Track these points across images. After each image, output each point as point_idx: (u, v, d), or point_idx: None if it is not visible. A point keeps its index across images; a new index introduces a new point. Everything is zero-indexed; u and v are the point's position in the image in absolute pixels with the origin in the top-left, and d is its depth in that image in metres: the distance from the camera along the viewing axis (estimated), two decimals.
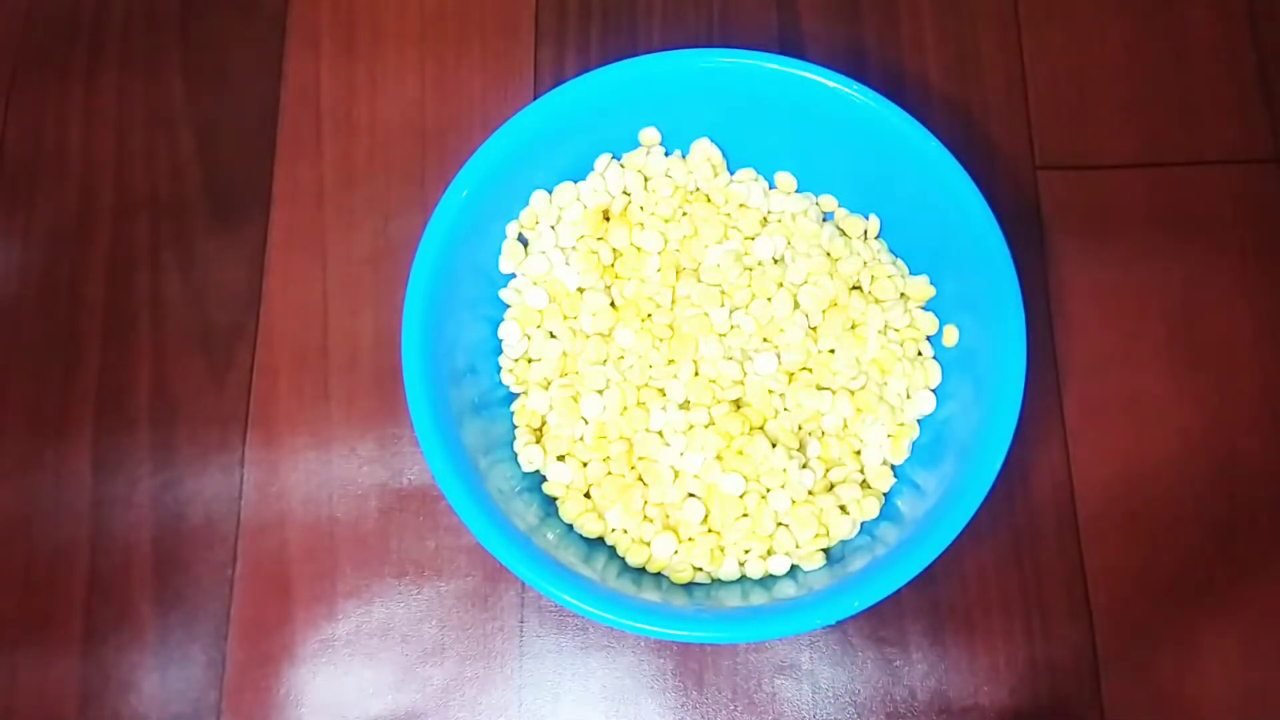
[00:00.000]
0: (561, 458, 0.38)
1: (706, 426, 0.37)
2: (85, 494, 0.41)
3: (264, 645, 0.40)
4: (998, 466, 0.33)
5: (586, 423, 0.38)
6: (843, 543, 0.37)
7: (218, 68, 0.46)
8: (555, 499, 0.38)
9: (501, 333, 0.39)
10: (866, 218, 0.40)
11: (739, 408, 0.38)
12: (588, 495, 0.38)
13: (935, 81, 0.45)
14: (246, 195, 0.45)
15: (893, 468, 0.38)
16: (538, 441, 0.38)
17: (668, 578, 0.36)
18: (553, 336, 0.39)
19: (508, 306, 0.39)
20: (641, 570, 0.36)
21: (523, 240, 0.40)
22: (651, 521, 0.37)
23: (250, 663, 0.40)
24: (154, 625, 0.40)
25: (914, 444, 0.38)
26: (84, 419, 0.42)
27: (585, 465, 0.38)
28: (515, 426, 0.38)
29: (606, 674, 0.39)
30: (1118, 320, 0.43)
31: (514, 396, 0.39)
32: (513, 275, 0.40)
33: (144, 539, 0.41)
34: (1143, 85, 0.46)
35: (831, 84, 0.37)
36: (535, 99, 0.42)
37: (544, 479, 0.38)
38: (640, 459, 0.37)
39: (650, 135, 0.40)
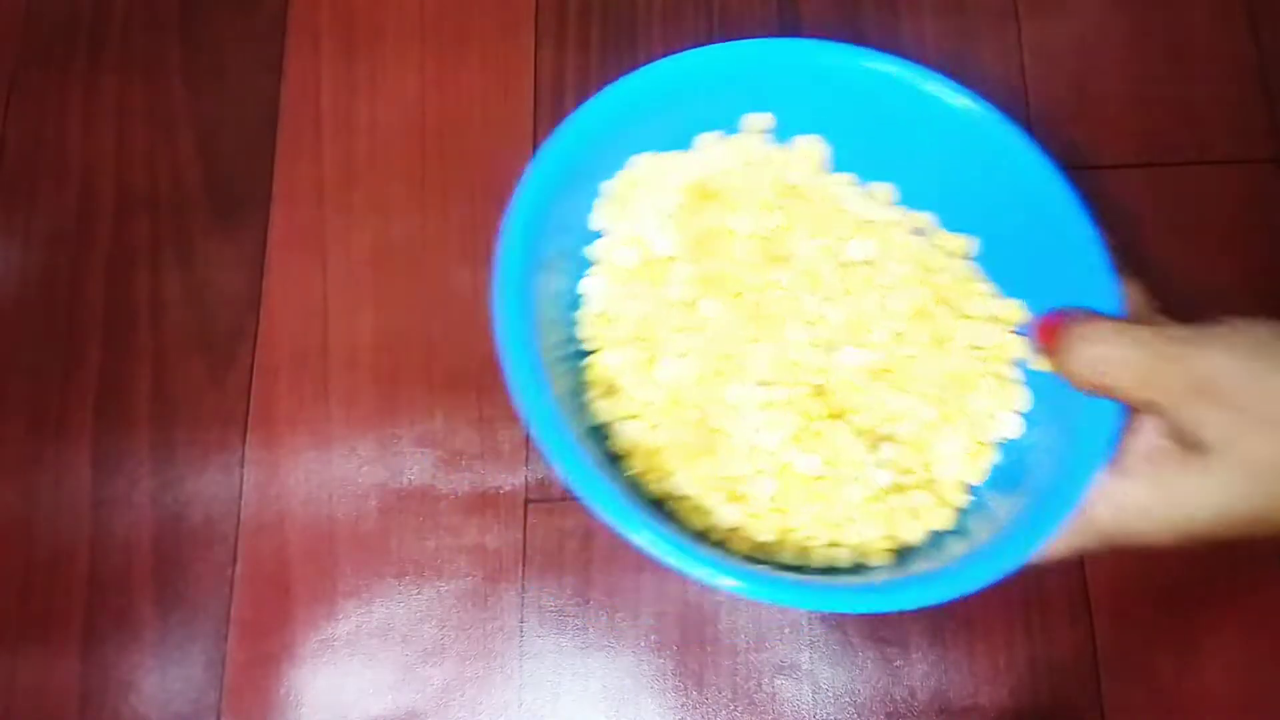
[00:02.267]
0: (633, 417, 0.36)
1: (785, 405, 0.36)
2: (85, 494, 0.41)
3: (264, 645, 0.40)
4: (1069, 511, 0.31)
5: (661, 388, 0.36)
6: (910, 548, 0.35)
7: (218, 68, 0.46)
8: (622, 457, 0.36)
9: (583, 287, 0.38)
10: (964, 236, 0.38)
11: (820, 393, 0.36)
12: (655, 456, 0.36)
13: None
14: (246, 195, 0.45)
15: (967, 485, 0.36)
16: (609, 398, 0.36)
17: (727, 546, 0.35)
18: (633, 298, 0.37)
19: (591, 263, 0.38)
20: (702, 535, 0.35)
21: (615, 201, 0.38)
22: (717, 490, 0.35)
23: (250, 663, 0.40)
24: (154, 625, 0.40)
25: (991, 466, 0.36)
26: (84, 419, 0.42)
27: (655, 428, 0.36)
28: (586, 383, 0.37)
29: (606, 674, 0.39)
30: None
31: (586, 353, 0.37)
32: (600, 233, 0.38)
33: (144, 539, 0.41)
34: (1143, 85, 0.46)
35: (955, 101, 0.36)
36: (534, 97, 0.42)
37: (610, 437, 0.36)
38: (713, 430, 0.36)
39: (758, 120, 0.38)
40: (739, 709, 0.39)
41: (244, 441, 0.42)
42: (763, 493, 0.35)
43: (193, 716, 0.39)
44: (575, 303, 0.38)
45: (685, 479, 0.36)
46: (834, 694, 0.39)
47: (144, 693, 0.39)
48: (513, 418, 0.42)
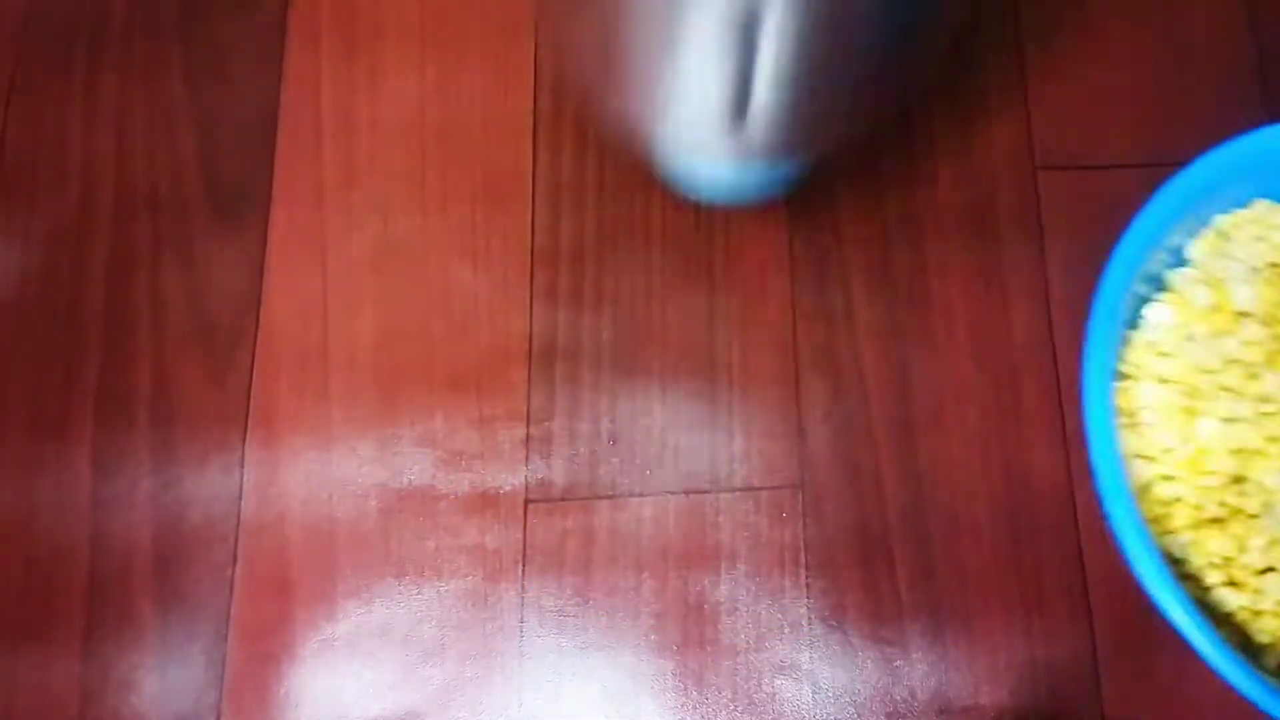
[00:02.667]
0: (1147, 458, 0.35)
1: None
2: (85, 494, 0.41)
3: (264, 645, 0.40)
4: None
5: (1191, 443, 0.35)
6: None
7: (218, 68, 0.46)
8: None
9: (1147, 311, 0.36)
10: None
11: None
12: (1162, 508, 0.35)
13: (934, 82, 0.45)
14: (246, 195, 0.45)
15: None
16: (1131, 432, 0.35)
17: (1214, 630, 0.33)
18: (1191, 339, 0.36)
19: (1163, 287, 0.37)
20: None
21: (1219, 236, 0.37)
22: (1218, 569, 0.34)
23: (250, 663, 0.40)
24: (154, 625, 0.40)
25: None
26: (84, 419, 0.42)
27: (1171, 480, 0.35)
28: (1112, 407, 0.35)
29: (606, 674, 0.39)
30: None
31: (1121, 375, 0.36)
32: (1188, 263, 0.37)
33: (144, 539, 0.41)
34: (1143, 85, 0.46)
35: None
36: (534, 97, 0.42)
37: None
38: (1234, 508, 0.34)
39: None
40: (739, 709, 0.39)
41: (244, 441, 0.42)
42: (1273, 592, 0.33)
43: (193, 716, 0.39)
44: (1131, 320, 0.36)
45: (1187, 544, 0.34)
46: (834, 694, 0.39)
47: (144, 693, 0.39)
48: (513, 417, 0.42)
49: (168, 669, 0.40)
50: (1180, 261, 0.37)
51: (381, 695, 0.39)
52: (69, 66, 0.47)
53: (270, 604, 0.40)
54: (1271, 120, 0.45)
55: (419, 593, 0.40)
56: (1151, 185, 0.44)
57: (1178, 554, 0.35)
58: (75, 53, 0.47)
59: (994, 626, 0.39)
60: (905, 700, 0.39)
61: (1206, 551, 0.34)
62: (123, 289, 0.44)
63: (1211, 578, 0.34)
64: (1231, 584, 0.34)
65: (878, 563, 0.40)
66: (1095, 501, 0.40)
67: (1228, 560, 0.34)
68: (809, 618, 0.40)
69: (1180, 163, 0.44)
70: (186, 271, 0.44)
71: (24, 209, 0.45)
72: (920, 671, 0.39)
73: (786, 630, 0.39)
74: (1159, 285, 0.37)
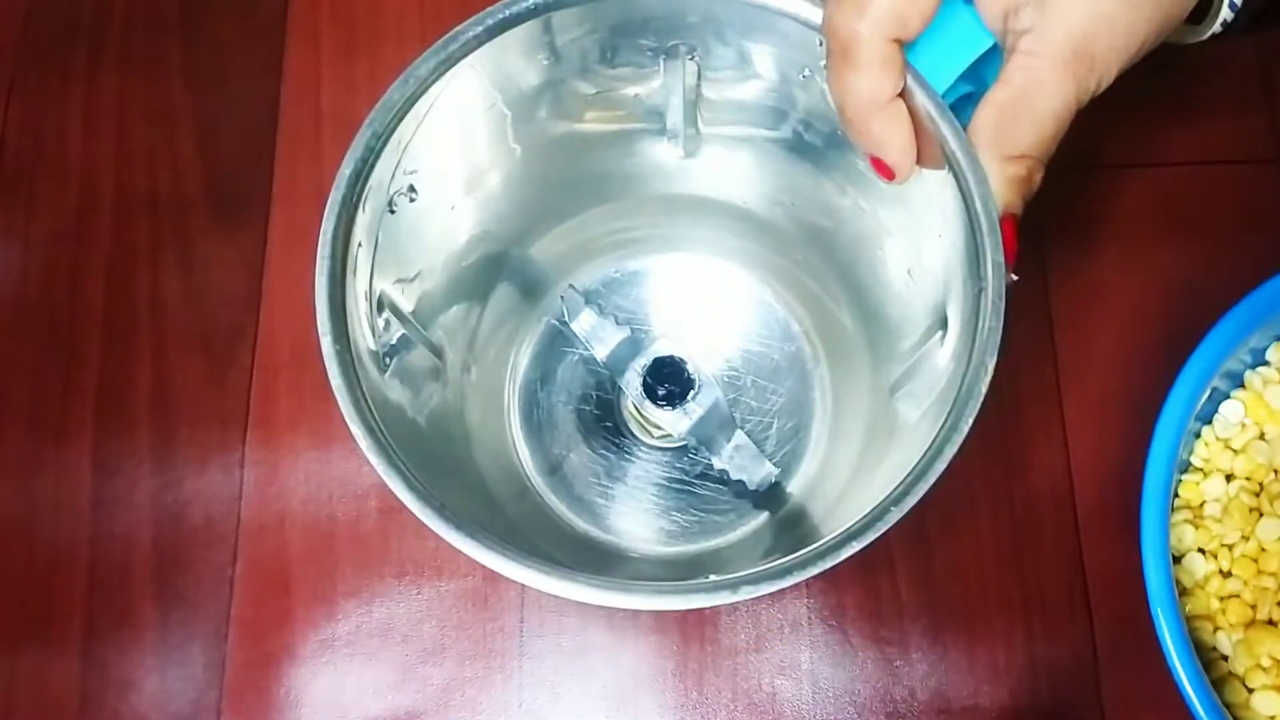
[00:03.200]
0: (1208, 553, 0.36)
1: None
2: (85, 494, 0.41)
3: (264, 645, 0.40)
4: None
5: (1251, 541, 0.36)
6: None
7: (218, 68, 0.46)
8: (1180, 591, 0.36)
9: (1223, 409, 0.38)
10: None
11: None
12: (1214, 602, 0.36)
13: None
14: (246, 195, 0.45)
15: None
16: (1191, 526, 0.36)
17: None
18: (1262, 438, 0.37)
19: (1239, 384, 0.38)
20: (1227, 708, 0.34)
21: None
22: (1266, 672, 0.34)
23: (250, 663, 0.40)
24: (154, 625, 0.40)
25: None
26: (84, 419, 0.42)
27: (1226, 576, 0.36)
28: (1174, 500, 0.36)
29: (606, 674, 0.39)
30: (1117, 320, 0.43)
31: (1186, 467, 0.37)
32: (1266, 361, 0.38)
33: (144, 539, 0.41)
34: (1143, 85, 0.45)
35: None
36: None
37: (1175, 564, 0.35)
38: None
39: None
40: (739, 709, 0.39)
41: (244, 441, 0.42)
42: None
43: (193, 716, 0.39)
44: (1204, 415, 0.37)
45: (1237, 643, 0.35)
46: (834, 694, 0.39)
47: (144, 693, 0.39)
48: None
49: (168, 669, 0.40)
50: (1260, 361, 0.38)
51: (381, 695, 0.39)
52: (69, 66, 0.47)
53: (270, 604, 0.40)
54: (1271, 120, 0.45)
55: (419, 593, 0.40)
56: (1152, 185, 0.44)
57: (1226, 651, 0.35)
58: (75, 53, 0.47)
59: (994, 626, 0.39)
60: (905, 700, 0.39)
61: (1256, 653, 0.34)
62: (123, 289, 0.44)
63: (1257, 680, 0.34)
64: (1275, 689, 0.34)
65: (878, 563, 0.40)
66: (1095, 501, 0.41)
67: (1278, 664, 0.34)
68: (809, 618, 0.40)
69: (1180, 163, 0.45)
70: (186, 271, 0.44)
71: (24, 209, 0.45)
72: (920, 671, 0.39)
73: (786, 630, 0.39)
74: (1236, 382, 0.38)
